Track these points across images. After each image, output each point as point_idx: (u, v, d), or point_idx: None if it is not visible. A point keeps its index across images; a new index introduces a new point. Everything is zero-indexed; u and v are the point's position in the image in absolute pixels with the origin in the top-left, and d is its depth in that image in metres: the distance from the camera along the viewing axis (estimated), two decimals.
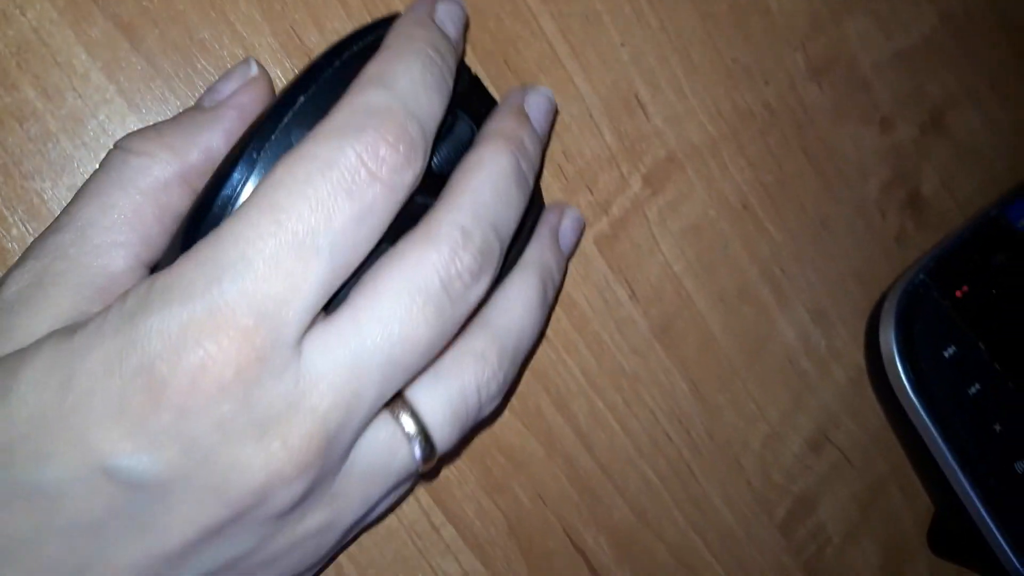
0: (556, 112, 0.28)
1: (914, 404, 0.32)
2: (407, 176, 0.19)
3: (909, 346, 0.32)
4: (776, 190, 0.33)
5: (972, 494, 0.31)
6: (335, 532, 0.21)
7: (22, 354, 0.17)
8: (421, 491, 0.28)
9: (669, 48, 0.31)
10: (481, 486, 0.28)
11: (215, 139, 0.21)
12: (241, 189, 0.19)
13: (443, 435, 0.21)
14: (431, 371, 0.21)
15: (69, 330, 0.18)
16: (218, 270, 0.17)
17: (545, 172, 0.29)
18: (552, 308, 0.29)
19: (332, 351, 0.18)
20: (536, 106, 0.24)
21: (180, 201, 0.21)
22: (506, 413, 0.29)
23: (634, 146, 0.31)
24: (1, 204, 0.24)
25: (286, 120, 0.20)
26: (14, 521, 0.17)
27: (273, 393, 0.17)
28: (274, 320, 0.17)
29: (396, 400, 0.20)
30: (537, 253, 0.24)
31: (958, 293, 0.33)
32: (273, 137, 0.20)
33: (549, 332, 0.29)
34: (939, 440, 0.31)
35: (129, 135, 0.21)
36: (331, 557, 0.25)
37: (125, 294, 0.18)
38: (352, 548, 0.27)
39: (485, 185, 0.21)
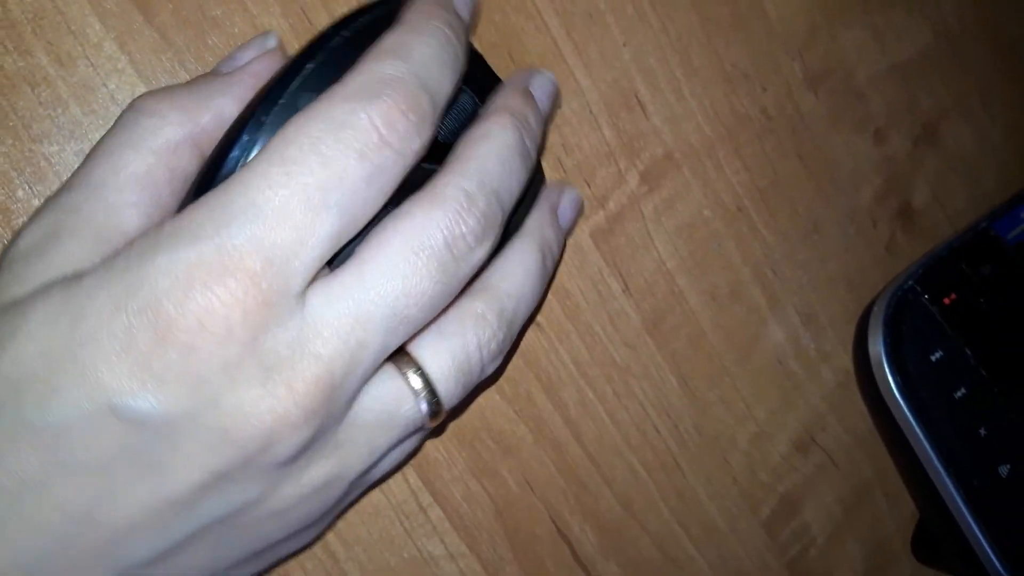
0: (559, 96, 0.29)
1: (901, 406, 0.32)
2: (416, 144, 0.20)
3: (897, 348, 0.32)
4: (770, 193, 0.34)
5: (956, 496, 0.32)
6: (342, 484, 0.21)
7: (33, 295, 0.18)
8: (410, 471, 0.28)
9: (670, 50, 0.32)
10: (470, 469, 0.29)
11: (226, 104, 0.21)
12: (250, 150, 0.20)
13: (448, 390, 0.21)
14: (434, 328, 0.21)
15: (79, 274, 0.18)
16: (228, 215, 0.17)
17: (544, 163, 0.30)
18: (550, 281, 0.29)
19: (336, 301, 0.18)
20: (541, 87, 0.25)
21: (190, 163, 0.21)
22: (496, 398, 0.29)
23: (632, 143, 0.31)
24: (9, 166, 0.24)
25: (295, 85, 0.20)
26: (21, 459, 0.17)
27: (278, 339, 0.18)
28: (281, 268, 0.17)
29: (400, 355, 0.21)
30: (537, 225, 0.25)
31: (946, 300, 0.33)
32: (282, 101, 0.20)
33: (542, 320, 0.30)
34: (925, 442, 0.32)
35: (142, 96, 0.22)
36: (337, 515, 0.25)
37: (134, 239, 0.18)
38: (339, 524, 0.27)
39: (491, 155, 0.21)
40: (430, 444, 0.28)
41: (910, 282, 0.33)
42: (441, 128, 0.23)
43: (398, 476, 0.28)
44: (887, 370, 0.32)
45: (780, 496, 0.34)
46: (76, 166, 0.24)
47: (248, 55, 0.23)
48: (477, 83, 0.24)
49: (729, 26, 0.33)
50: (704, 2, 0.32)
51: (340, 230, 0.19)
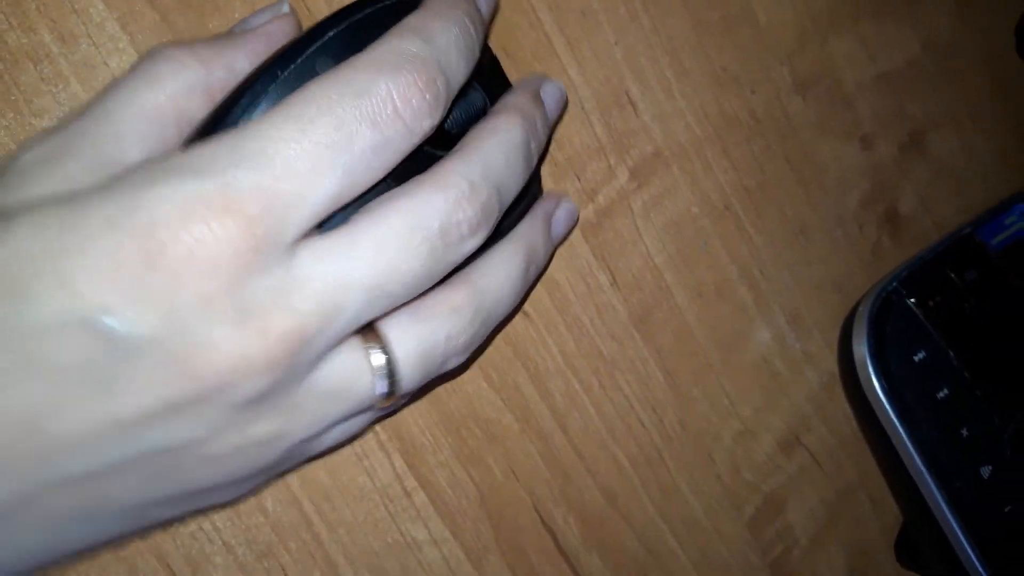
0: (566, 106, 0.30)
1: (884, 406, 0.32)
2: (426, 123, 0.20)
3: (881, 348, 0.33)
4: (758, 195, 0.34)
5: (938, 496, 0.32)
6: (282, 444, 0.21)
7: (27, 203, 0.18)
8: (396, 455, 0.28)
9: (661, 50, 0.33)
10: (455, 455, 0.29)
11: (241, 59, 0.22)
12: (260, 101, 0.20)
13: (407, 375, 0.22)
14: (407, 310, 0.21)
15: (74, 192, 0.18)
16: (237, 157, 0.18)
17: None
18: (530, 290, 0.30)
19: (323, 261, 0.19)
20: (550, 95, 0.26)
21: (200, 109, 0.22)
22: (484, 386, 0.29)
23: (622, 140, 0.32)
24: (10, 139, 0.25)
25: (313, 48, 0.21)
26: None
27: (260, 285, 0.18)
28: (278, 217, 0.18)
29: (369, 331, 0.21)
30: (528, 231, 0.26)
31: (930, 303, 0.34)
32: (299, 60, 0.21)
33: (531, 310, 0.30)
34: (907, 441, 0.32)
35: (160, 44, 0.22)
36: (262, 485, 0.25)
37: (137, 166, 0.18)
38: (324, 506, 0.27)
39: (498, 150, 0.22)
40: (416, 429, 0.28)
41: (895, 284, 0.34)
42: (449, 117, 0.24)
43: (383, 459, 0.28)
44: (871, 370, 0.33)
45: (764, 495, 0.34)
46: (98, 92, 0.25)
47: (262, 19, 0.23)
48: (488, 81, 0.25)
49: (720, 30, 0.34)
50: (696, 5, 0.33)
51: (340, 192, 0.19)
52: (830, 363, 0.35)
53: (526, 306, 0.30)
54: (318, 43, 0.21)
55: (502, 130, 0.23)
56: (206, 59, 0.22)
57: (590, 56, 0.31)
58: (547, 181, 0.31)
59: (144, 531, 0.24)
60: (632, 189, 0.32)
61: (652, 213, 0.32)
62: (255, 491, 0.26)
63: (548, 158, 0.31)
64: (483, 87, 0.25)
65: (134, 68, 0.22)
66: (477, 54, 0.23)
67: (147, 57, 0.22)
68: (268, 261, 0.18)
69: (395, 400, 0.22)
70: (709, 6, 0.33)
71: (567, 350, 0.31)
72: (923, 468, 0.32)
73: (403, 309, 0.22)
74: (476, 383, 0.29)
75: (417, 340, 0.22)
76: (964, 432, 0.32)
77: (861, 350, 0.33)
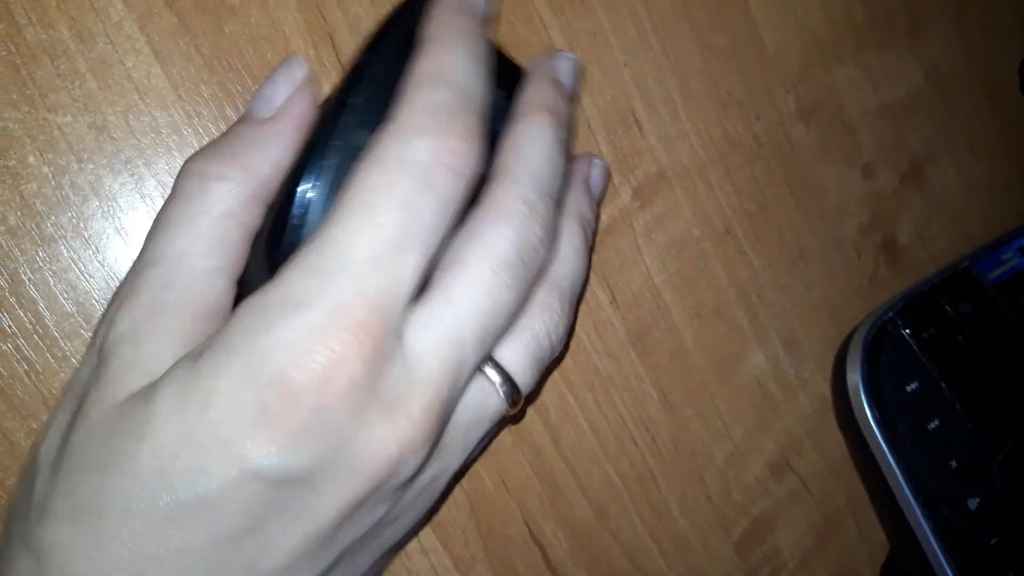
0: (583, 71, 0.30)
1: (875, 433, 0.33)
2: (473, 160, 0.21)
3: (874, 377, 0.33)
4: (759, 218, 0.35)
5: (925, 526, 0.32)
6: (444, 479, 0.23)
7: (155, 384, 0.19)
8: None
9: (668, 73, 0.33)
10: None
11: (281, 152, 0.22)
12: (313, 198, 0.21)
13: (525, 380, 0.23)
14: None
15: (193, 355, 0.19)
16: (326, 276, 0.19)
17: None
18: (592, 248, 0.31)
19: (431, 329, 0.20)
20: (566, 72, 0.26)
21: (258, 216, 0.22)
22: None
23: (627, 159, 0.32)
24: (23, 132, 0.25)
25: (345, 123, 0.21)
26: (185, 535, 0.18)
27: (391, 376, 0.19)
28: (383, 311, 0.19)
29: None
30: (575, 203, 0.27)
31: (925, 334, 0.34)
32: (335, 142, 0.21)
33: None
34: (897, 470, 0.32)
35: (195, 159, 0.22)
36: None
37: (238, 312, 0.19)
38: None
39: (539, 157, 0.23)
40: None
41: (890, 314, 0.34)
42: None
43: None
44: (863, 398, 0.33)
45: (753, 518, 0.34)
46: (88, 137, 0.25)
47: (281, 92, 0.23)
48: (500, 75, 0.25)
49: (727, 55, 0.34)
50: (704, 30, 0.34)
51: (425, 261, 0.20)
52: (823, 388, 0.36)
53: None
54: (346, 116, 0.22)
55: (535, 134, 0.23)
56: (248, 164, 0.22)
57: (599, 76, 0.32)
58: None
59: None
60: (635, 208, 0.32)
61: (654, 233, 0.33)
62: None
63: None
64: (497, 82, 0.25)
65: (182, 193, 0.22)
66: (488, 63, 0.23)
67: (189, 179, 0.22)
68: (389, 352, 0.19)
69: (521, 402, 0.23)
70: (717, 31, 0.34)
71: (563, 365, 0.31)
72: (911, 497, 0.32)
73: None
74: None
75: (524, 347, 0.23)
76: (953, 463, 0.33)
77: (854, 378, 0.33)
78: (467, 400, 0.22)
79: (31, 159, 0.25)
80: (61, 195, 0.26)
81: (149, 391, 0.19)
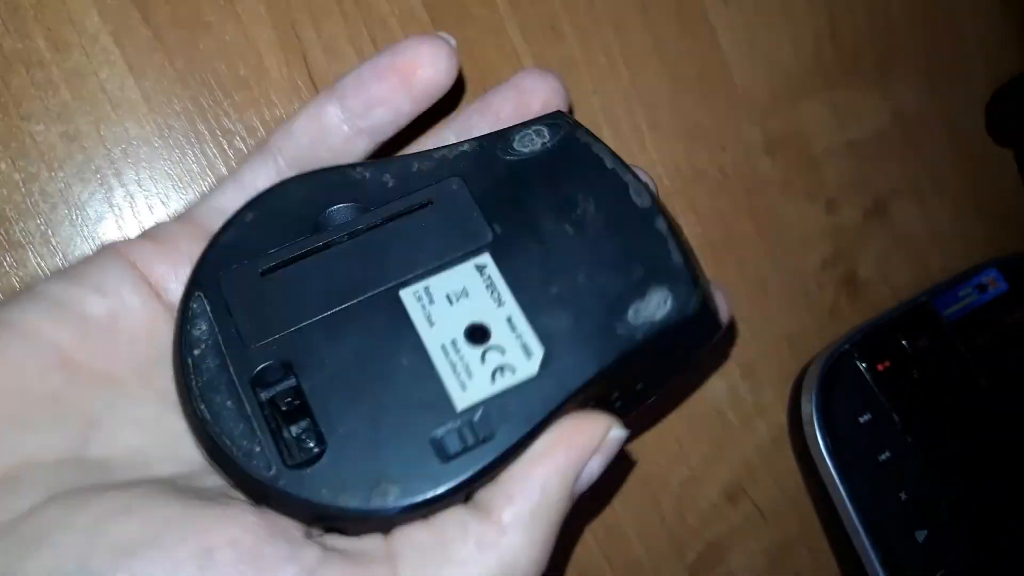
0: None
1: (827, 463, 0.33)
2: None
3: (828, 407, 0.33)
4: (721, 248, 0.35)
5: (873, 557, 0.33)
6: None
7: None
8: None
9: (637, 103, 0.34)
10: None
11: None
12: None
13: None
14: None
15: None
16: None
17: None
18: None
19: None
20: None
21: None
22: None
23: None
24: None
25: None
26: None
27: None
28: None
29: None
30: None
31: (880, 367, 0.35)
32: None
33: None
34: (847, 500, 0.33)
35: None
36: None
37: None
38: None
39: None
40: None
41: (847, 346, 0.35)
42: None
43: None
44: (816, 427, 0.33)
45: (707, 542, 0.35)
46: (59, 146, 0.26)
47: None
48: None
49: (695, 87, 0.35)
50: (674, 62, 0.34)
51: None
52: (780, 417, 0.36)
53: None
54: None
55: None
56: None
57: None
58: None
59: None
60: None
61: None
62: None
63: None
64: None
65: None
66: None
67: None
68: None
69: None
70: (686, 63, 0.35)
71: None
72: (860, 528, 0.33)
73: None
74: None
75: None
76: (903, 495, 0.33)
77: (809, 407, 0.34)
78: None
79: (2, 165, 0.26)
80: (31, 202, 0.26)
81: None
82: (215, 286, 0.20)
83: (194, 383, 0.19)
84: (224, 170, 0.28)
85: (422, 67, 0.22)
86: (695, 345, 0.23)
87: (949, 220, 0.40)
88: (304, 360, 0.20)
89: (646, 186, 0.23)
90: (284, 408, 0.20)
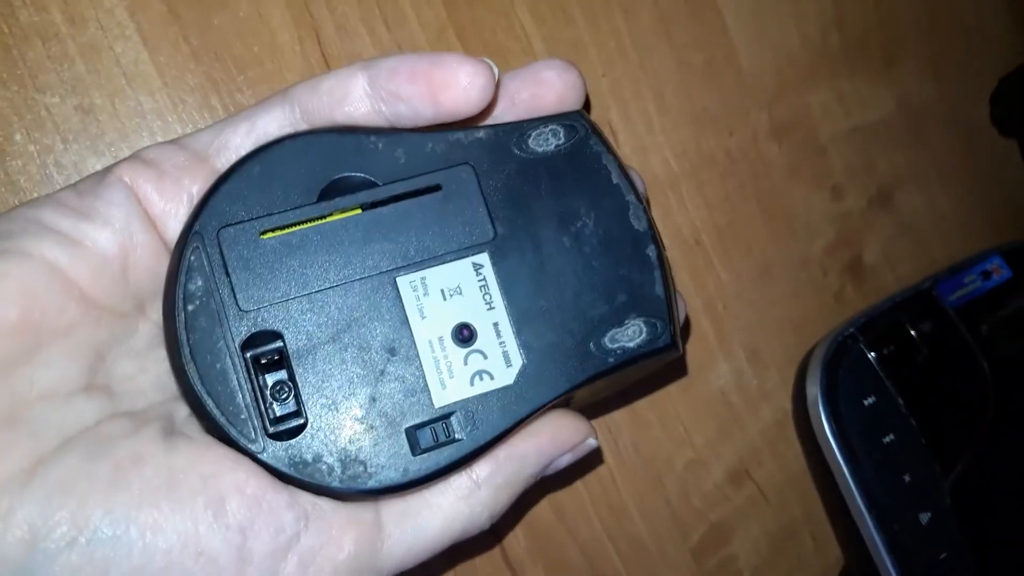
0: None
1: (831, 446, 0.33)
2: None
3: (832, 390, 0.34)
4: (728, 232, 0.36)
5: (877, 539, 0.33)
6: None
7: None
8: None
9: (645, 86, 0.34)
10: None
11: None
12: None
13: None
14: None
15: None
16: None
17: None
18: None
19: None
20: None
21: None
22: None
23: None
24: (11, 110, 0.26)
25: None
26: None
27: None
28: None
29: None
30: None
31: (884, 351, 0.35)
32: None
33: None
34: (851, 483, 0.33)
35: None
36: None
37: None
38: None
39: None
40: None
41: (851, 330, 0.35)
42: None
43: None
44: (821, 410, 0.34)
45: (711, 524, 0.35)
46: (74, 119, 0.26)
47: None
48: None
49: (703, 72, 0.35)
50: (682, 47, 0.35)
51: None
52: (784, 401, 0.37)
53: None
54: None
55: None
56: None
57: None
58: None
59: None
60: None
61: None
62: None
63: None
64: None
65: None
66: None
67: None
68: None
69: None
70: (695, 49, 0.35)
71: None
72: (864, 510, 0.33)
73: None
74: None
75: None
76: (907, 478, 0.33)
77: (813, 391, 0.34)
78: None
79: (18, 137, 0.26)
80: (45, 173, 0.26)
81: None
82: (215, 241, 0.21)
83: (185, 339, 0.20)
84: None
85: (452, 88, 0.22)
86: (654, 365, 0.24)
87: (953, 208, 0.40)
88: (295, 332, 0.20)
89: (645, 209, 0.23)
90: (269, 378, 0.20)
